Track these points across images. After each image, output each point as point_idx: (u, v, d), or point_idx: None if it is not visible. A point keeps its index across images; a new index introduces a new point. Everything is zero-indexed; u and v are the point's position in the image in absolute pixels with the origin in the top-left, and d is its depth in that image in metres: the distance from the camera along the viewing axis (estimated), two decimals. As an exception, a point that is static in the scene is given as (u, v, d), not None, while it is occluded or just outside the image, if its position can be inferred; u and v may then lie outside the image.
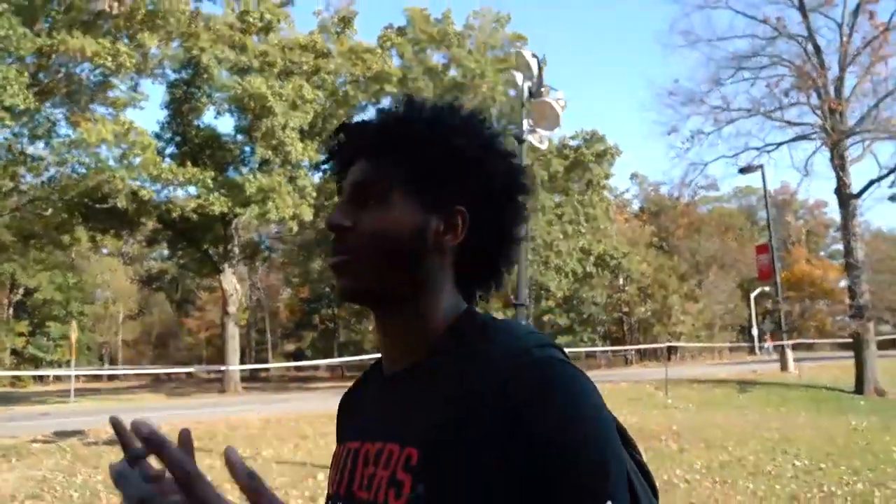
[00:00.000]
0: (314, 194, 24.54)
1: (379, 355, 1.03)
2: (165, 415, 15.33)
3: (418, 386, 0.89)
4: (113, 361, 50.73)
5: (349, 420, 1.06)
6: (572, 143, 33.41)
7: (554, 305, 36.75)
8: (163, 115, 27.63)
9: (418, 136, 0.91)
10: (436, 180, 0.92)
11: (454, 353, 0.88)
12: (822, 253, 55.54)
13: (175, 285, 53.39)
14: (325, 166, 1.02)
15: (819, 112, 19.19)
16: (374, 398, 0.99)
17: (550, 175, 30.46)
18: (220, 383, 29.24)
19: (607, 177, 33.11)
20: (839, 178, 18.99)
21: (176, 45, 24.45)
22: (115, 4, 19.62)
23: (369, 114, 28.53)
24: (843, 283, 56.26)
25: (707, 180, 30.58)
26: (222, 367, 26.06)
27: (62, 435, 10.94)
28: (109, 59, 19.30)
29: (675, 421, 13.79)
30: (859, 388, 18.60)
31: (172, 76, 26.76)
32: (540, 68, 8.30)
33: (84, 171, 22.13)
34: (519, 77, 8.77)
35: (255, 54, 24.39)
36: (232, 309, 27.94)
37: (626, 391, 17.67)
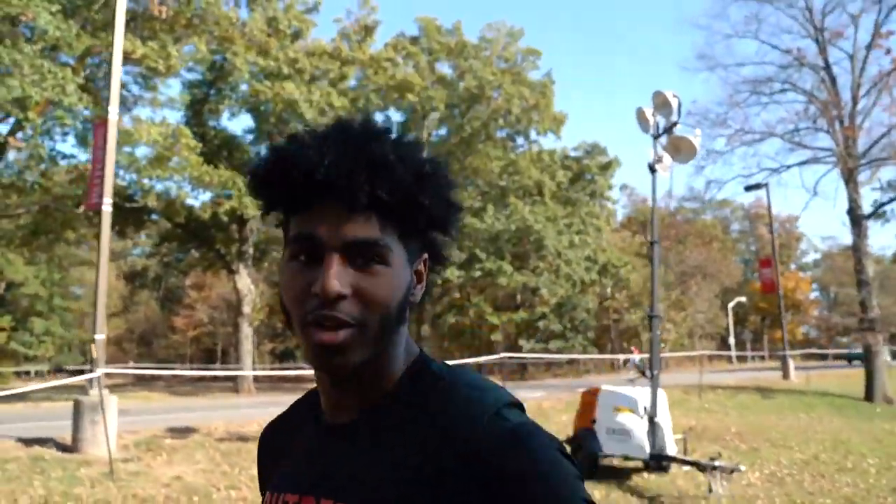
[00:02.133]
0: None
1: (306, 391, 1.02)
2: (241, 413, 15.78)
3: (370, 440, 0.86)
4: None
5: (276, 464, 0.99)
6: (573, 153, 34.58)
7: (548, 311, 37.70)
8: (176, 115, 27.94)
9: (432, 193, 0.84)
10: (420, 232, 0.88)
11: (411, 408, 0.85)
12: (792, 266, 57.90)
13: (158, 283, 53.10)
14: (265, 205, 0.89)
15: (834, 138, 20.58)
16: (313, 447, 0.93)
17: (557, 185, 31.52)
18: (232, 382, 29.47)
19: (610, 188, 34.33)
20: (852, 200, 20.37)
21: (189, 48, 24.76)
22: (164, 9, 19.93)
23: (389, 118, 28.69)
24: (814, 295, 58.76)
25: (693, 192, 32.12)
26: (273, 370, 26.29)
27: (178, 431, 11.41)
28: (161, 61, 19.62)
29: (727, 423, 14.80)
30: (869, 395, 19.96)
31: (189, 77, 27.09)
32: (679, 106, 9.17)
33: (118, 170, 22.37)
34: (648, 111, 9.64)
35: (285, 60, 24.85)
36: (247, 309, 28.25)
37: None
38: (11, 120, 20.16)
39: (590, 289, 37.37)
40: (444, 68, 32.70)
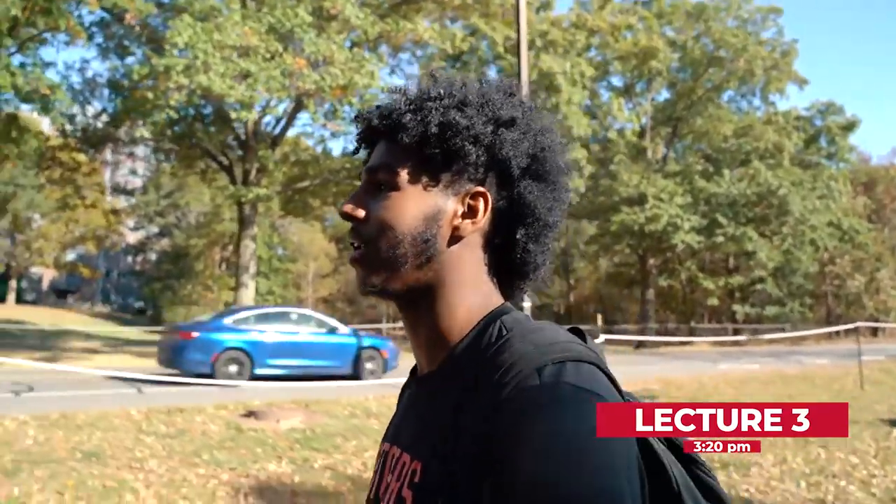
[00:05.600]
0: (590, 167, 25.72)
1: None
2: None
3: (436, 394, 0.85)
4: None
5: (393, 417, 1.02)
6: (804, 113, 33.37)
7: (766, 275, 36.80)
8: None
9: (426, 113, 0.87)
10: (446, 163, 0.87)
11: (471, 360, 0.81)
12: None
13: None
14: (356, 155, 0.99)
15: None
16: (409, 399, 0.97)
17: (795, 148, 30.69)
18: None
19: (851, 150, 32.97)
20: None
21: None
22: (445, -9, 21.16)
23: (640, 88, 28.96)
24: None
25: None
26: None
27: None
28: (448, 42, 20.87)
29: None
30: None
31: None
32: None
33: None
34: None
35: (536, 32, 25.57)
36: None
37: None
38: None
39: (810, 253, 36.19)
40: (668, 31, 32.38)
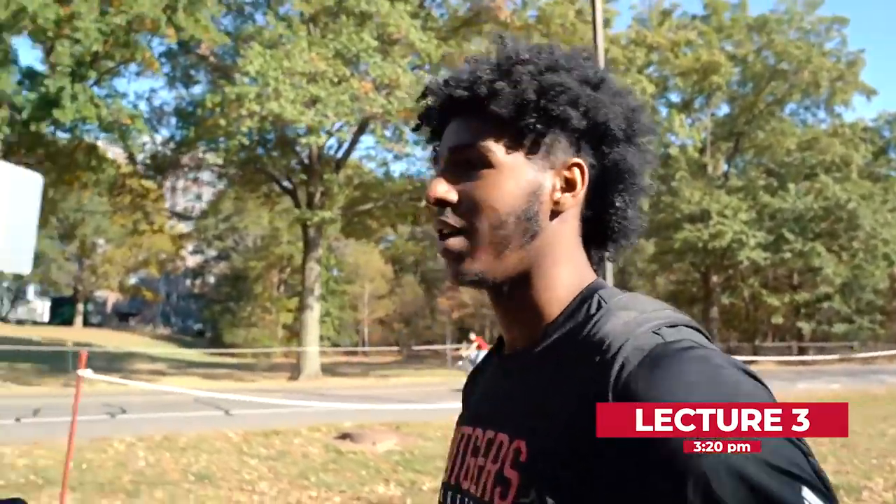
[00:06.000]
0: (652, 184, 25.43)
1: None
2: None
3: (531, 371, 0.81)
4: (362, 339, 54.53)
5: (470, 401, 0.99)
6: (871, 124, 32.57)
7: (833, 291, 35.79)
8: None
9: (518, 78, 0.80)
10: (543, 132, 0.81)
11: (570, 334, 0.78)
12: None
13: (416, 266, 56.58)
14: (417, 133, 0.92)
15: None
16: (491, 380, 0.92)
17: (863, 160, 29.94)
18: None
19: (922, 161, 32.06)
20: None
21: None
22: (509, 14, 21.28)
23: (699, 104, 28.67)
24: None
25: None
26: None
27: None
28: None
29: None
30: None
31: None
32: None
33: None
34: None
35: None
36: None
37: None
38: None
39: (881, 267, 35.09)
40: (727, 46, 31.99)
